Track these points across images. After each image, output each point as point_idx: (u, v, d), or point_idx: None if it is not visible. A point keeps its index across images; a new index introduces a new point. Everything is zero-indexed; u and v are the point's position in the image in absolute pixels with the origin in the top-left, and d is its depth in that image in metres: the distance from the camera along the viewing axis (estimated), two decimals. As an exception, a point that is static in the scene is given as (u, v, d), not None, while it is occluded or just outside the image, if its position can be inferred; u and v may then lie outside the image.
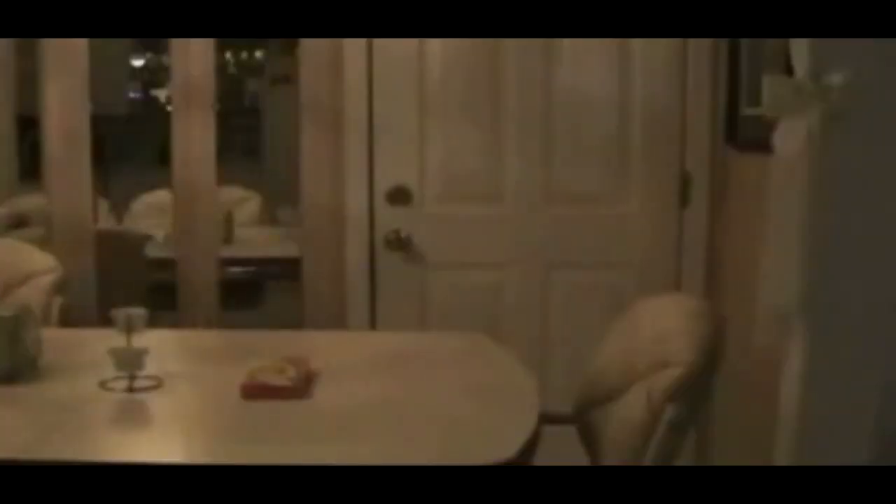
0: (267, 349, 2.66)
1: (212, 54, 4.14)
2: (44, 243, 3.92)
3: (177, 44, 4.11)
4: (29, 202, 5.33)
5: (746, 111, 3.57)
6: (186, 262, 4.26)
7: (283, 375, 2.38)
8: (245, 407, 2.33)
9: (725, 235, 3.92)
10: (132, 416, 2.37)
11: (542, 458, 3.91)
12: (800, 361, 2.43)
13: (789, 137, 2.41)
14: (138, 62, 7.19)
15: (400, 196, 4.04)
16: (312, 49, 4.01)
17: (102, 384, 2.42)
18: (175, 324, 4.05)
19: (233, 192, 6.21)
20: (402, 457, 2.04)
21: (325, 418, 2.30)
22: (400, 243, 4.06)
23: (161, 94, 6.92)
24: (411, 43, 3.95)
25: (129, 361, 2.42)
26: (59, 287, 3.46)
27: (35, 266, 3.46)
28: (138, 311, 2.47)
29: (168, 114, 4.27)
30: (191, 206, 4.21)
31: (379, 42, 3.95)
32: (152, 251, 5.87)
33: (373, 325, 4.07)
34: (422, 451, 2.10)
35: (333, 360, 2.67)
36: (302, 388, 2.38)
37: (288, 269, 4.53)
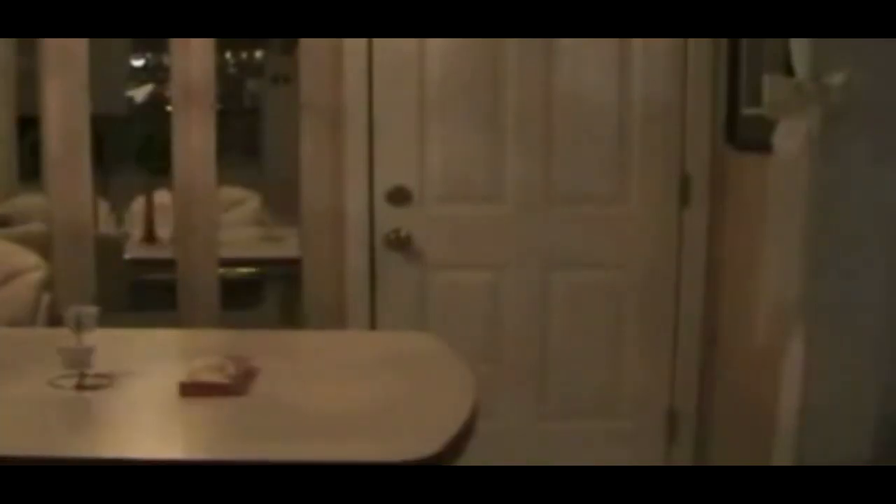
0: (221, 347, 2.71)
1: (212, 54, 4.13)
2: (32, 241, 3.92)
3: (177, 43, 4.11)
4: (29, 202, 5.34)
5: (746, 111, 3.57)
6: (186, 261, 4.26)
7: (222, 373, 2.42)
8: (181, 404, 2.38)
9: (725, 235, 3.92)
10: (74, 413, 2.40)
11: (542, 458, 3.92)
12: (800, 360, 2.44)
13: (789, 137, 2.41)
14: (138, 62, 7.19)
15: (400, 196, 4.04)
16: (312, 49, 4.01)
17: (51, 382, 2.45)
18: (175, 324, 4.05)
19: (233, 192, 6.21)
20: (321, 453, 2.07)
21: (257, 416, 2.34)
22: (400, 243, 4.06)
23: (138, 93, 6.87)
24: (411, 43, 3.94)
25: (78, 359, 2.47)
26: (46, 284, 3.48)
27: (20, 264, 3.48)
28: (88, 310, 2.53)
29: (168, 113, 4.26)
30: (191, 206, 4.21)
31: (379, 42, 3.94)
32: (152, 252, 5.89)
33: (373, 324, 4.07)
34: (341, 447, 2.12)
35: (278, 359, 2.72)
36: (239, 385, 2.42)
37: (288, 269, 4.53)
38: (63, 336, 2.52)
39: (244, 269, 5.72)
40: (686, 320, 4.12)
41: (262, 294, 5.97)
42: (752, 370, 3.41)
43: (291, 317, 4.49)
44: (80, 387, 2.43)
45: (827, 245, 2.38)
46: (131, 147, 6.56)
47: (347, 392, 2.49)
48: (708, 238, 4.05)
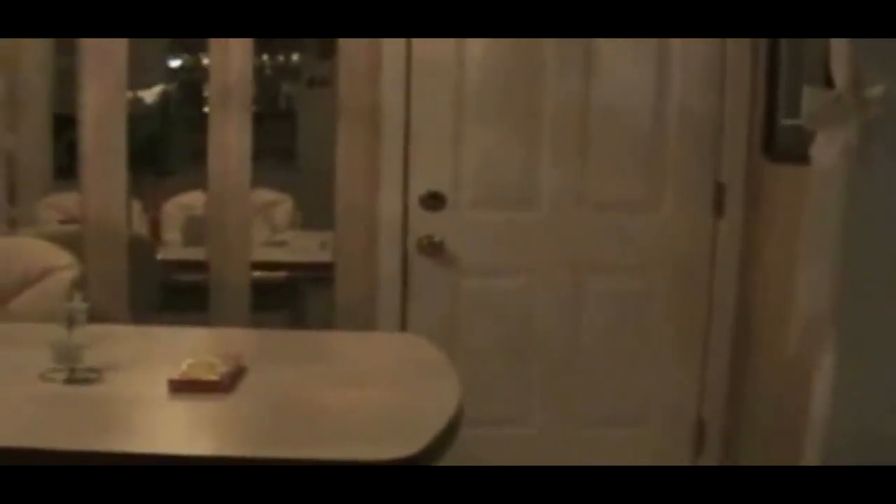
0: (217, 346, 2.81)
1: (250, 56, 4.14)
2: (65, 240, 3.93)
3: (215, 45, 4.12)
4: (63, 201, 5.38)
5: (784, 122, 3.55)
6: (218, 263, 4.27)
7: (212, 371, 2.48)
8: (168, 400, 2.42)
9: (759, 246, 3.90)
10: (62, 406, 2.42)
11: (568, 464, 3.90)
12: (831, 370, 2.43)
13: (827, 149, 2.40)
14: (175, 63, 7.22)
15: (434, 201, 4.04)
16: (350, 52, 4.01)
17: (42, 375, 2.52)
18: (206, 325, 4.06)
19: (267, 195, 6.23)
20: (301, 451, 2.10)
21: (240, 414, 2.38)
22: (433, 248, 4.06)
23: (147, 94, 6.85)
24: (449, 47, 3.95)
25: (68, 354, 2.55)
26: (79, 283, 3.50)
27: (54, 262, 3.50)
28: (80, 306, 2.60)
29: (204, 115, 4.28)
30: (225, 207, 4.22)
31: (417, 46, 3.95)
32: (186, 253, 5.91)
33: (403, 328, 4.07)
34: (321, 446, 2.15)
35: (270, 358, 2.79)
36: (227, 383, 2.46)
37: (321, 272, 4.53)
38: (57, 331, 2.59)
39: (276, 272, 5.73)
40: (717, 329, 4.11)
41: (295, 297, 5.98)
42: (783, 382, 3.40)
43: (322, 320, 4.49)
44: (71, 381, 2.51)
45: (862, 258, 2.37)
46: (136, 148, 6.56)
47: (333, 392, 2.52)
48: (741, 248, 4.04)
